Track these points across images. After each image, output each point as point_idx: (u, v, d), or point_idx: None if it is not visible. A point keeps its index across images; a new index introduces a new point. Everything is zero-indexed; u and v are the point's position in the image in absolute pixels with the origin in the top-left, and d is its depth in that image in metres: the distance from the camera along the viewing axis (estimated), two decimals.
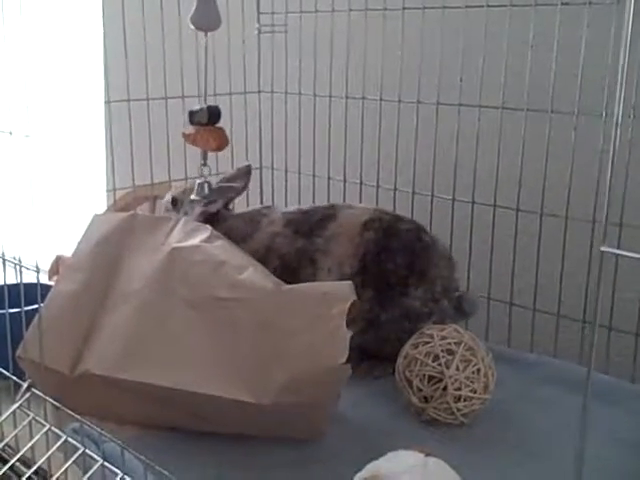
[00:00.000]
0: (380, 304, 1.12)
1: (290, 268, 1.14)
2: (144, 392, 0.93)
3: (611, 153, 0.59)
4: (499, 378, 1.05)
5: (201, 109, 1.26)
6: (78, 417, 0.84)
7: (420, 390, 1.03)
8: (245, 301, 0.95)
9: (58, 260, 2.00)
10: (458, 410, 1.02)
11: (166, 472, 0.73)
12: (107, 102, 1.39)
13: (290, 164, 1.61)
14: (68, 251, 1.10)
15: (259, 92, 1.63)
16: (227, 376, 0.90)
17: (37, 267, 0.91)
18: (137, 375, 0.92)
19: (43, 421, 0.91)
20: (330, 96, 1.48)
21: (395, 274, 1.13)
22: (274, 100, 1.62)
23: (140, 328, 0.97)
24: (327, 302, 0.93)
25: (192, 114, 1.27)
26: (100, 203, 1.85)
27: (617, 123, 0.59)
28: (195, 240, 1.04)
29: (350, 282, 0.98)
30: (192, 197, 1.26)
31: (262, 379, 0.89)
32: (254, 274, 0.99)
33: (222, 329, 0.94)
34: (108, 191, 1.49)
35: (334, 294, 0.94)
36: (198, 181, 1.26)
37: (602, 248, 0.54)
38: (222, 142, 1.27)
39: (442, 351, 1.03)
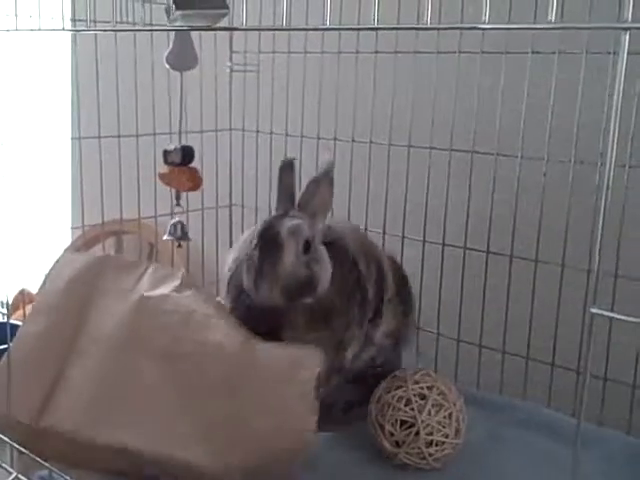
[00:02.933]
0: None
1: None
2: (111, 450, 0.92)
3: (602, 208, 0.59)
4: (469, 420, 1.06)
5: (175, 149, 1.26)
6: (46, 464, 0.82)
7: (392, 435, 1.03)
8: (213, 354, 0.94)
9: (22, 294, 1.97)
10: (430, 455, 1.02)
11: None
12: (75, 138, 1.38)
13: (260, 202, 1.60)
14: (32, 286, 1.08)
15: (230, 130, 1.63)
16: (191, 439, 0.89)
17: (7, 306, 0.89)
18: (100, 435, 0.91)
19: (9, 468, 0.89)
20: (302, 136, 1.49)
21: None
22: (245, 138, 1.62)
23: (107, 382, 0.95)
24: (295, 366, 0.92)
25: (166, 153, 1.27)
26: (64, 240, 1.82)
27: (609, 177, 0.59)
28: (165, 288, 1.03)
29: (318, 349, 0.95)
30: (165, 237, 1.25)
31: (227, 441, 0.88)
32: (224, 326, 0.97)
33: (189, 383, 0.92)
34: (73, 228, 1.47)
35: (302, 358, 0.93)
36: (171, 222, 1.26)
37: (593, 310, 0.54)
38: (196, 183, 1.28)
39: (414, 395, 1.03)
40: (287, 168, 1.07)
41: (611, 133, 0.56)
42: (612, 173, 0.58)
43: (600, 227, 0.56)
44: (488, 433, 1.14)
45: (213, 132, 1.58)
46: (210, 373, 0.93)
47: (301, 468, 0.95)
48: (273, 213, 1.05)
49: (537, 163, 1.20)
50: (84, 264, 1.08)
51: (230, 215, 1.67)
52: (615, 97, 0.58)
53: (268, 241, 0.97)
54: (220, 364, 0.93)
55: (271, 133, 1.55)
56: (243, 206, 1.65)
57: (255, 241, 0.97)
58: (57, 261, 1.10)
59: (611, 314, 0.54)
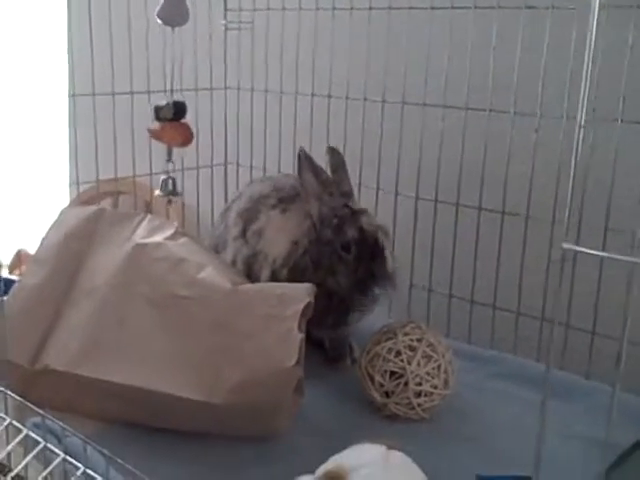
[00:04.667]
0: None
1: None
2: (101, 388, 0.94)
3: (573, 157, 0.61)
4: (459, 374, 1.07)
5: (167, 104, 1.26)
6: (40, 411, 0.83)
7: (382, 385, 1.05)
8: (201, 299, 0.96)
9: (19, 254, 1.98)
10: (419, 405, 1.04)
11: (129, 466, 0.73)
12: (72, 95, 1.38)
13: (255, 161, 1.61)
14: (29, 245, 1.10)
15: (225, 88, 1.63)
16: (180, 374, 0.91)
17: None
18: (94, 372, 0.93)
19: (4, 415, 0.90)
20: (296, 93, 1.49)
21: None
22: (240, 96, 1.62)
23: (100, 325, 0.97)
24: (282, 303, 0.94)
25: (158, 109, 1.27)
26: (62, 197, 1.83)
27: (580, 126, 0.60)
28: (159, 237, 1.04)
29: (310, 284, 0.99)
30: (157, 193, 1.26)
31: (214, 378, 0.90)
32: (213, 272, 0.99)
33: (178, 327, 0.94)
34: (71, 185, 1.48)
35: (290, 295, 0.95)
36: (162, 177, 1.26)
37: (564, 245, 0.56)
38: (187, 138, 1.28)
39: (404, 347, 1.04)
40: (308, 158, 1.12)
41: (582, 87, 0.57)
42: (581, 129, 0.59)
43: (573, 165, 0.57)
44: (476, 385, 1.16)
45: (208, 90, 1.58)
46: (198, 317, 0.94)
47: (289, 418, 0.98)
48: (326, 199, 1.10)
49: (530, 120, 1.20)
50: (81, 218, 1.09)
51: (225, 173, 1.67)
52: (586, 52, 0.59)
53: (370, 246, 1.06)
54: (208, 308, 0.95)
55: (266, 91, 1.55)
56: (238, 164, 1.66)
57: (354, 247, 1.06)
58: (58, 216, 1.12)
59: (581, 249, 0.55)
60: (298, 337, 0.91)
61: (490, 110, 1.24)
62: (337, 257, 1.07)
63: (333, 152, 1.19)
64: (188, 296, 0.96)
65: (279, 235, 1.16)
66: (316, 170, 1.11)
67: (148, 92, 1.45)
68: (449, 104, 1.28)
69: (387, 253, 1.06)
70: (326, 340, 1.23)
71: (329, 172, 1.15)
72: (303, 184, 1.11)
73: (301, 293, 0.95)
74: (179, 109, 1.26)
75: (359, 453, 0.74)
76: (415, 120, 1.32)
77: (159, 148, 1.45)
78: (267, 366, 0.90)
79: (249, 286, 1.01)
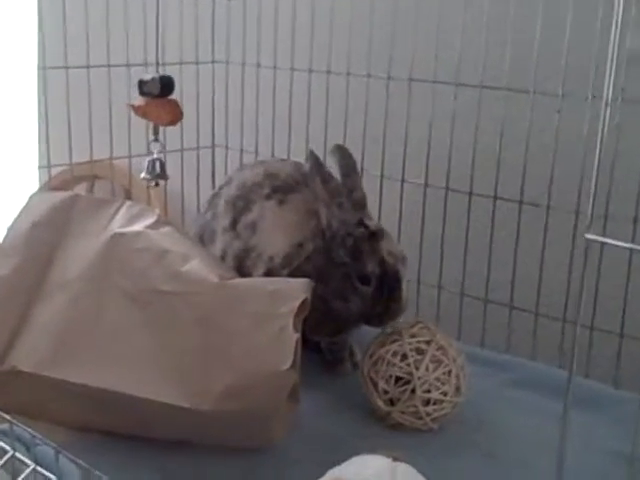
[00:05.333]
0: None
1: None
2: (76, 392, 0.94)
3: (599, 137, 0.61)
4: (471, 380, 1.08)
5: (152, 79, 1.26)
6: (7, 417, 0.83)
7: (386, 392, 1.05)
8: (186, 295, 0.96)
9: None
10: (427, 414, 1.04)
11: (105, 477, 0.73)
12: (42, 68, 1.38)
13: (247, 143, 1.61)
14: None
15: (213, 62, 1.63)
16: (162, 378, 0.91)
17: None
18: (66, 374, 0.93)
19: None
20: (292, 69, 1.49)
21: None
22: (229, 72, 1.62)
23: (73, 322, 0.97)
24: (275, 299, 0.94)
25: (142, 84, 1.27)
26: (31, 181, 1.83)
27: (606, 104, 0.61)
28: (139, 226, 1.04)
29: (307, 279, 0.99)
30: (142, 175, 1.26)
31: (200, 382, 0.90)
32: (199, 265, 0.99)
33: (160, 325, 0.95)
34: (41, 168, 1.48)
35: (284, 291, 0.96)
36: (148, 159, 1.26)
37: (587, 235, 0.56)
38: (176, 116, 1.28)
39: (411, 350, 1.05)
40: (317, 162, 1.12)
41: (608, 63, 0.57)
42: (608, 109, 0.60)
43: (598, 152, 0.57)
44: (492, 393, 1.16)
45: (194, 64, 1.58)
46: (182, 314, 0.95)
47: (283, 427, 0.98)
48: (335, 212, 1.10)
49: (551, 100, 1.20)
50: (52, 204, 1.08)
51: (213, 157, 1.67)
52: (614, 25, 0.59)
53: (390, 282, 1.07)
54: (193, 304, 0.95)
55: (258, 66, 1.55)
56: (227, 147, 1.66)
57: (373, 282, 1.07)
58: (26, 203, 1.12)
59: (606, 239, 0.55)
60: (293, 337, 0.90)
61: (508, 89, 1.24)
62: (351, 285, 1.08)
63: (342, 152, 1.19)
64: (171, 291, 0.96)
65: (276, 231, 1.17)
66: (324, 176, 1.11)
67: (127, 65, 1.45)
68: (462, 82, 1.28)
69: (404, 286, 1.08)
70: (323, 342, 1.24)
71: (338, 175, 1.14)
72: (312, 189, 1.12)
73: (297, 289, 0.95)
74: (166, 84, 1.26)
75: (361, 466, 0.74)
76: (424, 99, 1.32)
77: (139, 128, 1.45)
78: (259, 369, 0.89)
79: (239, 281, 1.01)
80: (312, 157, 1.11)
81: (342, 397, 1.13)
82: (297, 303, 0.93)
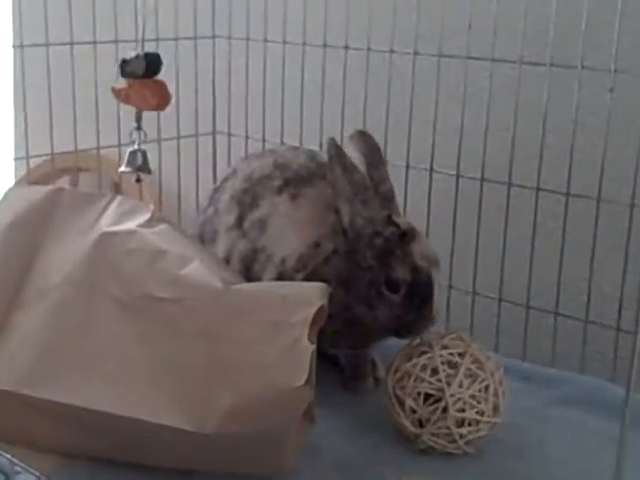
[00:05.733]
0: None
1: None
2: (61, 413, 0.94)
3: None
4: (511, 398, 1.07)
5: (137, 57, 1.26)
6: None
7: (414, 412, 1.05)
8: (185, 302, 0.96)
9: None
10: (461, 437, 1.04)
11: None
12: (18, 46, 1.39)
13: (252, 129, 1.61)
14: None
15: (213, 37, 1.64)
16: (158, 397, 0.91)
17: None
18: (50, 393, 0.94)
19: None
20: (304, 44, 1.49)
21: None
22: (232, 48, 1.63)
23: (57, 334, 0.98)
24: (287, 307, 0.94)
25: (125, 63, 1.27)
26: (6, 174, 1.84)
27: None
28: (131, 224, 1.05)
29: (322, 284, 0.99)
30: (122, 169, 1.26)
31: (203, 402, 0.90)
32: (200, 268, 0.99)
33: (156, 337, 0.95)
34: (17, 159, 1.49)
35: (297, 297, 0.96)
36: (130, 149, 1.27)
37: None
38: (162, 99, 1.28)
39: (442, 363, 1.05)
40: (338, 150, 1.11)
41: None
42: None
43: None
44: (534, 412, 1.16)
45: (191, 40, 1.59)
46: (181, 324, 0.95)
47: (296, 452, 0.99)
48: (359, 208, 1.09)
49: (602, 76, 1.20)
50: (32, 200, 1.09)
51: (214, 145, 1.68)
52: None
53: (422, 290, 1.07)
54: (193, 313, 0.95)
55: (265, 41, 1.56)
56: (230, 134, 1.66)
57: (404, 289, 1.07)
58: (2, 199, 1.13)
59: None
60: (308, 349, 0.90)
61: (551, 64, 1.24)
62: (378, 292, 1.08)
63: (365, 138, 1.19)
64: (168, 298, 0.96)
65: (289, 229, 1.17)
66: (347, 166, 1.10)
67: (115, 42, 1.46)
68: (499, 57, 1.28)
69: (436, 293, 1.08)
70: (342, 356, 1.25)
71: (361, 166, 1.14)
72: (332, 181, 1.12)
73: (311, 294, 0.95)
74: (151, 63, 1.26)
75: None
76: (455, 78, 1.33)
77: (130, 114, 1.45)
78: (269, 386, 0.89)
79: (245, 286, 1.01)
80: (332, 144, 1.11)
81: (363, 417, 1.14)
82: (312, 311, 0.93)
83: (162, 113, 1.47)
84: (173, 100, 1.42)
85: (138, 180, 1.37)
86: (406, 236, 1.09)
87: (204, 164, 1.66)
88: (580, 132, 1.24)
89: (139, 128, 1.30)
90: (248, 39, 1.59)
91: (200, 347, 0.93)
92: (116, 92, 1.29)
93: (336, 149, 1.11)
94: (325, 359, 1.17)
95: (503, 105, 1.30)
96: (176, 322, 0.95)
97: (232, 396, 0.89)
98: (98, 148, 1.50)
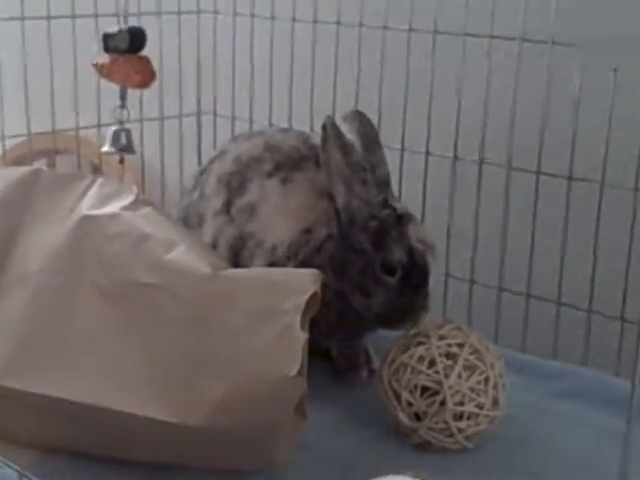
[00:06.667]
0: None
1: None
2: (41, 406, 0.94)
3: None
4: (512, 391, 1.08)
5: (120, 31, 1.26)
6: None
7: (410, 405, 1.05)
8: (171, 288, 0.96)
9: None
10: (459, 431, 1.04)
11: None
12: None
13: (239, 110, 1.61)
14: None
15: (198, 12, 1.63)
16: (144, 388, 0.91)
17: None
18: (30, 384, 0.93)
19: None
20: (293, 19, 1.49)
21: None
22: (218, 24, 1.62)
23: (37, 322, 0.97)
24: (278, 293, 0.94)
25: (108, 38, 1.27)
26: None
27: None
28: (114, 206, 1.04)
29: (315, 270, 0.99)
30: (105, 149, 1.26)
31: (189, 393, 0.90)
32: (187, 252, 1.00)
33: (142, 325, 0.95)
34: None
35: (288, 283, 0.96)
36: (113, 128, 1.27)
37: None
38: (147, 75, 1.28)
39: (440, 355, 1.05)
40: (335, 129, 1.11)
41: None
42: None
43: None
44: (536, 405, 1.16)
45: (175, 15, 1.58)
46: (167, 311, 0.95)
47: (289, 446, 0.98)
48: (357, 190, 1.09)
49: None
50: (8, 182, 1.09)
51: (198, 126, 1.68)
52: None
53: (418, 273, 1.08)
54: (180, 300, 0.95)
55: (252, 16, 1.56)
56: (215, 114, 1.66)
57: (400, 272, 1.07)
58: None
59: None
60: (301, 337, 0.90)
61: (553, 42, 1.24)
62: (374, 276, 1.08)
63: (361, 119, 1.19)
64: (153, 284, 0.96)
65: (280, 215, 1.17)
66: (345, 147, 1.10)
67: (95, 16, 1.45)
68: (497, 33, 1.28)
69: (431, 279, 1.09)
70: (335, 348, 1.25)
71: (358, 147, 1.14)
72: (326, 161, 1.11)
73: (304, 280, 0.95)
74: (136, 37, 1.26)
75: None
76: (453, 55, 1.32)
77: (111, 92, 1.45)
78: (259, 376, 0.90)
79: (234, 271, 1.01)
80: (329, 123, 1.10)
81: (357, 411, 1.14)
82: (305, 297, 0.93)
83: (144, 92, 1.47)
84: (156, 78, 1.41)
85: (121, 161, 1.37)
86: (402, 219, 1.09)
87: (189, 146, 1.66)
88: (582, 113, 1.24)
89: (123, 106, 1.29)
90: (235, 14, 1.59)
91: (187, 335, 0.93)
92: (98, 67, 1.29)
93: (333, 127, 1.10)
94: (316, 351, 1.17)
95: (502, 85, 1.30)
96: (162, 309, 0.95)
97: (220, 387, 0.89)
98: (77, 128, 1.49)
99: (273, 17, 1.52)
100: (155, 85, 1.45)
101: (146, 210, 1.05)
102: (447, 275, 1.38)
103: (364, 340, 1.24)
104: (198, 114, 1.68)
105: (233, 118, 1.62)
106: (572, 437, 1.10)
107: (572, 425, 1.13)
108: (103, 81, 1.42)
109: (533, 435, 1.10)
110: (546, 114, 1.26)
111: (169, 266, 0.98)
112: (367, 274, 1.08)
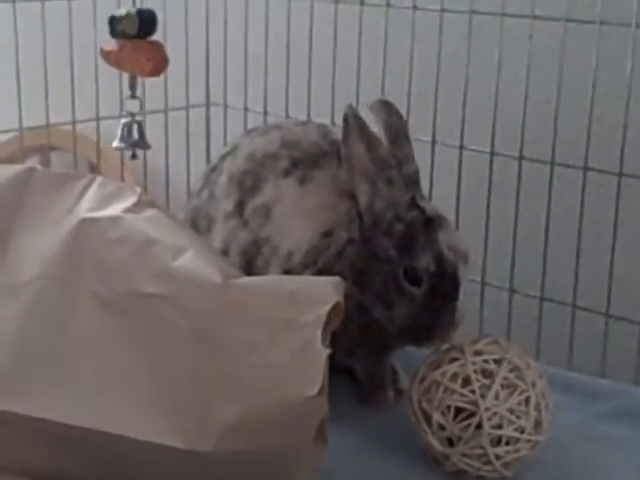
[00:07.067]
0: None
1: None
2: (33, 430, 0.94)
3: None
4: (557, 413, 1.07)
5: (128, 14, 1.26)
6: None
7: (443, 428, 1.05)
8: (177, 299, 0.96)
9: None
10: (497, 457, 1.03)
11: None
12: None
13: (251, 101, 1.61)
14: None
15: None
16: (147, 410, 0.91)
17: None
18: (21, 406, 0.93)
19: None
20: None
21: None
22: (229, 5, 1.63)
23: (31, 336, 0.97)
24: (297, 304, 0.93)
25: (115, 21, 1.27)
26: None
27: None
28: (115, 208, 1.04)
29: (337, 278, 0.99)
30: (115, 144, 1.26)
31: (198, 415, 0.90)
32: (195, 259, 0.99)
33: (146, 339, 0.94)
34: None
35: (308, 292, 0.95)
36: (123, 121, 1.27)
37: None
38: (159, 63, 1.28)
39: (475, 372, 1.04)
40: (359, 121, 1.10)
41: None
42: None
43: None
44: (583, 429, 1.16)
45: None
46: (175, 323, 0.94)
47: (309, 474, 0.98)
48: (382, 189, 1.09)
49: None
50: (1, 182, 1.09)
51: (207, 118, 1.68)
52: None
53: (447, 284, 1.07)
54: (188, 311, 0.95)
55: None
56: (226, 106, 1.66)
57: (427, 282, 1.07)
58: None
59: None
60: (322, 353, 0.90)
61: (601, 22, 1.24)
62: (397, 286, 1.08)
63: (388, 109, 1.18)
64: (159, 294, 0.96)
65: (297, 218, 1.17)
66: (370, 140, 1.10)
67: None
68: (539, 14, 1.29)
69: (462, 292, 1.08)
70: (357, 365, 1.25)
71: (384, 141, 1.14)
72: (348, 157, 1.11)
73: (325, 290, 0.95)
74: (146, 21, 1.26)
75: None
76: (490, 38, 1.33)
77: (110, 81, 1.46)
78: (276, 396, 0.89)
79: (247, 280, 1.00)
80: (351, 113, 1.10)
81: (383, 435, 1.13)
82: (326, 308, 0.92)
83: (146, 81, 1.47)
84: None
85: (134, 156, 1.37)
86: (432, 222, 1.09)
87: (196, 141, 1.66)
88: (634, 101, 1.24)
89: (134, 96, 1.30)
90: None
91: (196, 351, 0.93)
92: (105, 54, 1.29)
93: (355, 118, 1.10)
94: (337, 368, 1.16)
95: (544, 70, 1.30)
96: (168, 322, 0.95)
97: (233, 408, 0.89)
98: (74, 123, 1.50)
99: None
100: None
101: (150, 212, 1.05)
102: (483, 284, 1.38)
103: (390, 357, 1.23)
104: (207, 105, 1.68)
105: (245, 110, 1.62)
106: (623, 463, 1.10)
107: (622, 450, 1.13)
108: (102, 69, 1.43)
109: (578, 461, 1.10)
110: (591, 107, 1.26)
111: (175, 275, 0.97)
112: (390, 283, 1.08)
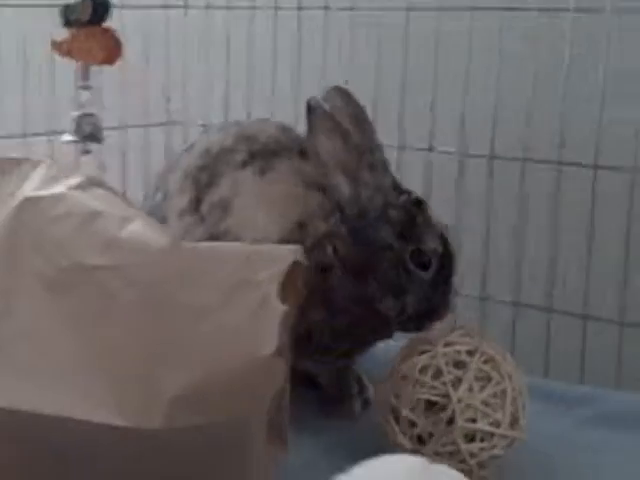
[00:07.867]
0: None
1: None
2: None
3: None
4: (533, 418, 1.05)
5: (81, 1, 1.27)
6: None
7: (413, 425, 1.02)
8: (126, 268, 0.95)
9: None
10: (471, 455, 1.01)
11: None
12: None
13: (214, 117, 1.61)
14: None
15: (165, 7, 1.66)
16: (91, 388, 0.89)
17: None
18: None
19: None
20: (276, 7, 1.51)
21: None
22: (189, 18, 1.65)
23: None
24: (251, 265, 0.93)
25: (67, 10, 1.28)
26: None
27: None
28: (61, 187, 1.03)
29: (296, 246, 0.98)
30: (67, 138, 1.25)
31: (146, 390, 0.88)
32: (143, 227, 0.99)
33: (90, 314, 0.93)
34: None
35: (263, 255, 0.95)
36: (75, 113, 1.26)
37: None
38: (112, 51, 1.29)
39: (447, 364, 1.03)
40: (323, 113, 1.10)
41: None
42: None
43: None
44: (564, 435, 1.15)
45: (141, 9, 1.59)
46: (121, 294, 0.93)
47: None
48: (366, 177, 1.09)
49: None
50: None
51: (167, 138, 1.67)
52: None
53: (450, 265, 1.10)
54: (135, 279, 0.93)
55: (228, 8, 1.58)
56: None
57: (435, 265, 1.09)
58: None
59: None
60: (278, 309, 0.88)
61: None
62: (405, 272, 1.08)
63: (346, 96, 1.17)
64: (104, 265, 0.95)
65: (261, 208, 1.16)
66: (342, 130, 1.09)
67: None
68: (513, 5, 1.31)
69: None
70: (321, 374, 1.23)
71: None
72: (316, 150, 1.10)
73: (283, 251, 0.94)
74: (99, 7, 1.27)
75: (381, 469, 0.72)
76: (459, 33, 1.35)
77: (61, 72, 1.44)
78: (230, 358, 0.87)
79: (200, 244, 1.01)
80: (315, 104, 1.08)
81: (350, 442, 1.11)
82: (284, 265, 0.92)
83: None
84: (118, 84, 1.42)
85: (87, 152, 1.36)
86: (421, 203, 1.10)
87: (156, 161, 1.65)
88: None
89: (86, 87, 1.29)
90: (208, 7, 1.61)
91: (144, 320, 0.91)
92: (56, 46, 1.30)
93: (321, 110, 1.09)
94: (300, 379, 1.14)
95: (520, 65, 1.32)
96: (114, 294, 0.93)
97: (182, 377, 0.87)
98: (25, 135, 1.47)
99: (255, 7, 1.54)
100: (116, 91, 1.45)
101: (98, 192, 1.04)
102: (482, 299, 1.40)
103: (355, 366, 1.23)
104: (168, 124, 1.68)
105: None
106: (605, 468, 1.08)
107: (604, 455, 1.11)
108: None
109: (558, 465, 1.09)
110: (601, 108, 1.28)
111: (121, 244, 0.96)
112: (397, 271, 1.08)
